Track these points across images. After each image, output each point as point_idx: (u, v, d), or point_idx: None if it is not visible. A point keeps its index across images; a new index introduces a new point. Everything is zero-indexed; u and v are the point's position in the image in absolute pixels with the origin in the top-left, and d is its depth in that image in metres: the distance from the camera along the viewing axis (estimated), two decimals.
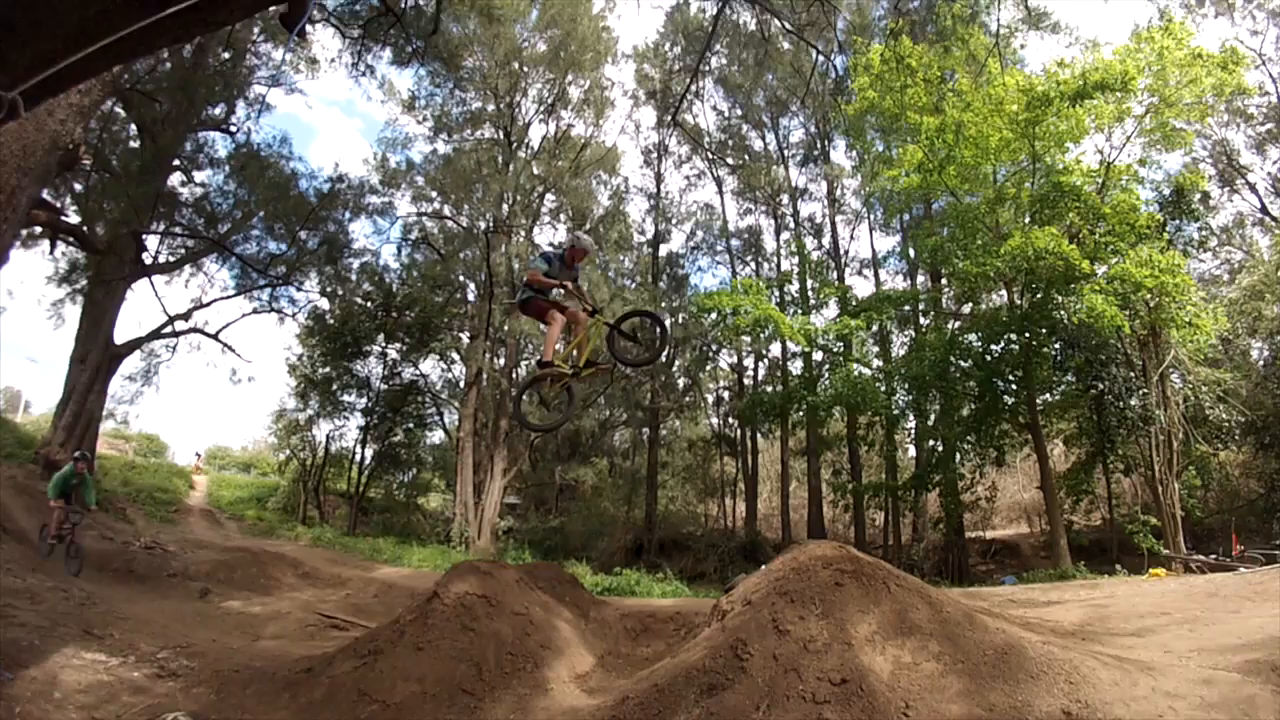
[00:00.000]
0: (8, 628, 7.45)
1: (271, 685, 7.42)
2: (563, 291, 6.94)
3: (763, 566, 7.84)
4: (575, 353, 7.21)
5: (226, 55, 22.83)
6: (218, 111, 24.00)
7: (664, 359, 31.67)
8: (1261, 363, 23.58)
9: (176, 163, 23.16)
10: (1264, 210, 29.02)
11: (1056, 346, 20.90)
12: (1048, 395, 22.87)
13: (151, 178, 21.03)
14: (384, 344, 30.00)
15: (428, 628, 7.71)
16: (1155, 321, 19.02)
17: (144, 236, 21.91)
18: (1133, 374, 20.04)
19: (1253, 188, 29.46)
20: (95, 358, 20.45)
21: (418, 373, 31.63)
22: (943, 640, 5.77)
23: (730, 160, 33.81)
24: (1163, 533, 18.48)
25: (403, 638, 7.64)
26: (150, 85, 20.86)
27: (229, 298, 26.10)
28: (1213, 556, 16.19)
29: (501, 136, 29.54)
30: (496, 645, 7.64)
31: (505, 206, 28.81)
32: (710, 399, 35.66)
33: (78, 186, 21.26)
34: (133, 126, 22.23)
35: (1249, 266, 24.19)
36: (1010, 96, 18.97)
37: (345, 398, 30.37)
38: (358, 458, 31.23)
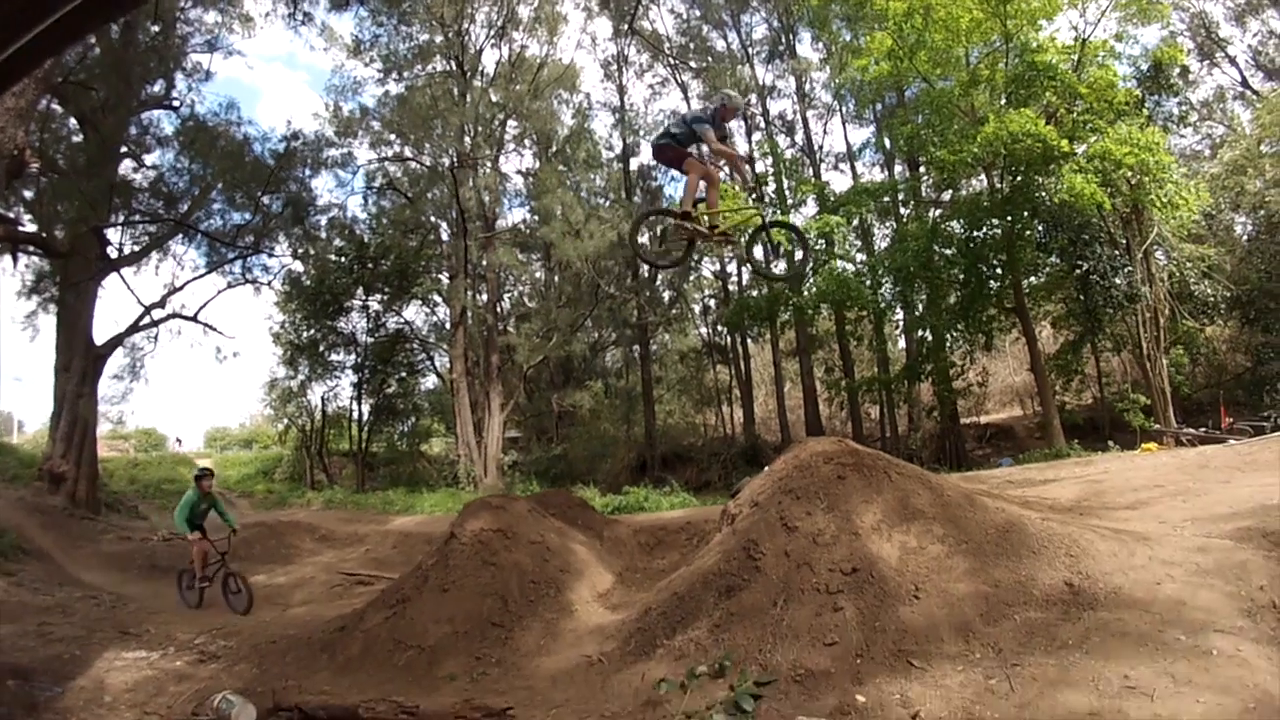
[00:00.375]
0: (47, 644, 7.61)
1: (309, 649, 7.63)
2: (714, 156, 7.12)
3: (765, 468, 7.98)
4: (708, 214, 7.30)
5: (156, 28, 21.49)
6: (157, 89, 22.81)
7: (646, 273, 31.62)
8: (1245, 237, 23.60)
9: (124, 149, 22.12)
10: (1245, 83, 28.55)
11: (1040, 229, 20.80)
12: (1033, 278, 22.88)
13: (101, 169, 20.14)
14: (364, 297, 29.74)
15: (450, 569, 7.88)
16: (1137, 199, 18.84)
17: (105, 231, 21.12)
18: (1117, 252, 20.05)
19: (1233, 61, 28.95)
20: (79, 363, 20.03)
21: (402, 321, 31.54)
22: (945, 523, 5.92)
23: (693, 64, 32.68)
24: (1153, 409, 18.92)
25: (427, 582, 7.82)
26: (83, 74, 19.63)
27: (201, 277, 25.41)
28: (1202, 430, 16.61)
29: (454, 68, 28.38)
30: (518, 576, 7.84)
31: (467, 139, 28.00)
32: (697, 309, 35.77)
33: (28, 194, 20.21)
34: (73, 120, 21.12)
35: (1231, 141, 23.90)
36: None
37: (334, 357, 30.44)
38: (355, 415, 31.44)
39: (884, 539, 5.88)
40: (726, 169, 7.42)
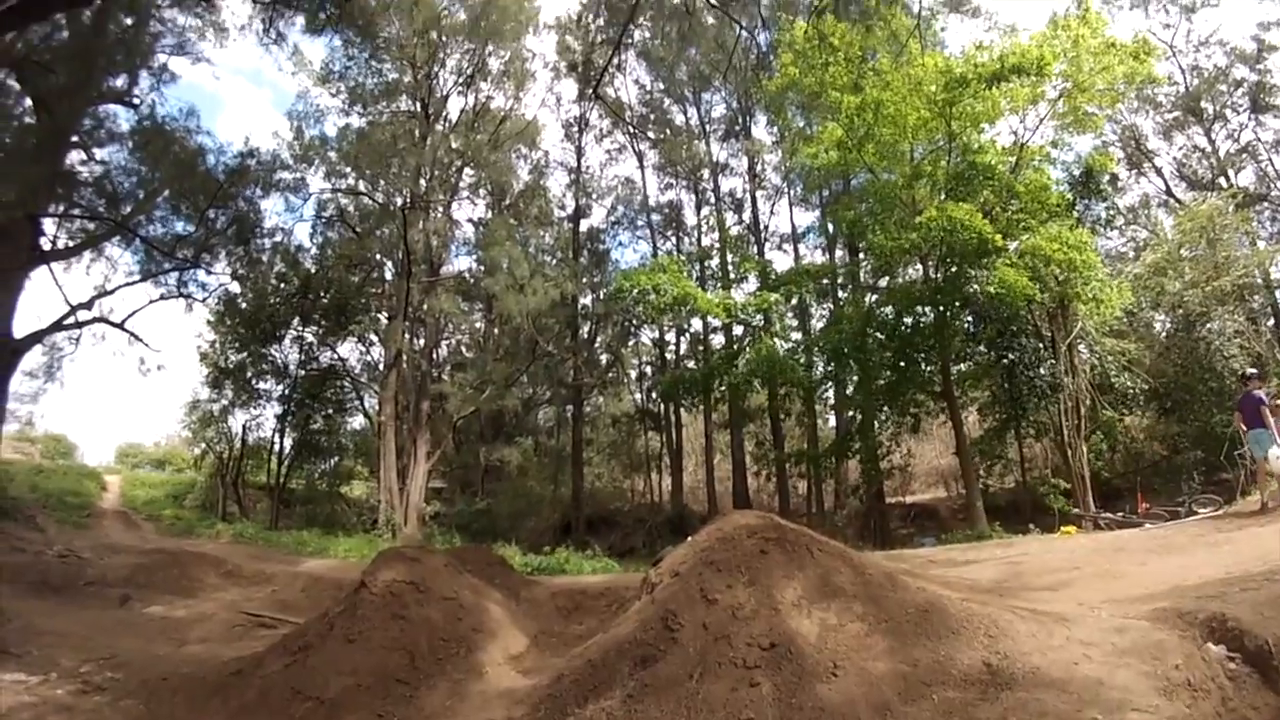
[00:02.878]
0: None
1: (201, 690, 7.12)
2: None
3: (689, 538, 7.95)
4: None
5: (129, 21, 21.13)
6: (119, 83, 22.23)
7: (585, 335, 31.79)
8: (1163, 334, 24.71)
9: (75, 139, 21.37)
10: (1168, 192, 31.15)
11: (969, 319, 21.65)
12: (961, 365, 23.64)
13: (48, 156, 19.47)
14: (300, 327, 28.98)
15: (357, 619, 7.51)
16: (1064, 295, 19.70)
17: (41, 220, 20.31)
18: (1042, 345, 20.88)
19: (1158, 171, 31.74)
20: None
21: (335, 356, 30.74)
22: (866, 601, 5.91)
23: (652, 134, 33.70)
24: (1072, 493, 19.38)
25: (332, 631, 7.43)
26: (47, 55, 19.09)
27: (134, 283, 24.40)
28: (1119, 514, 16.91)
29: (419, 109, 28.56)
30: (428, 632, 7.50)
31: (422, 181, 27.98)
32: (633, 374, 35.78)
33: None
34: (27, 100, 20.29)
35: (1153, 245, 25.21)
36: (929, 77, 19.26)
37: (261, 385, 29.38)
38: (276, 448, 30.26)
39: (804, 615, 5.83)
40: None
